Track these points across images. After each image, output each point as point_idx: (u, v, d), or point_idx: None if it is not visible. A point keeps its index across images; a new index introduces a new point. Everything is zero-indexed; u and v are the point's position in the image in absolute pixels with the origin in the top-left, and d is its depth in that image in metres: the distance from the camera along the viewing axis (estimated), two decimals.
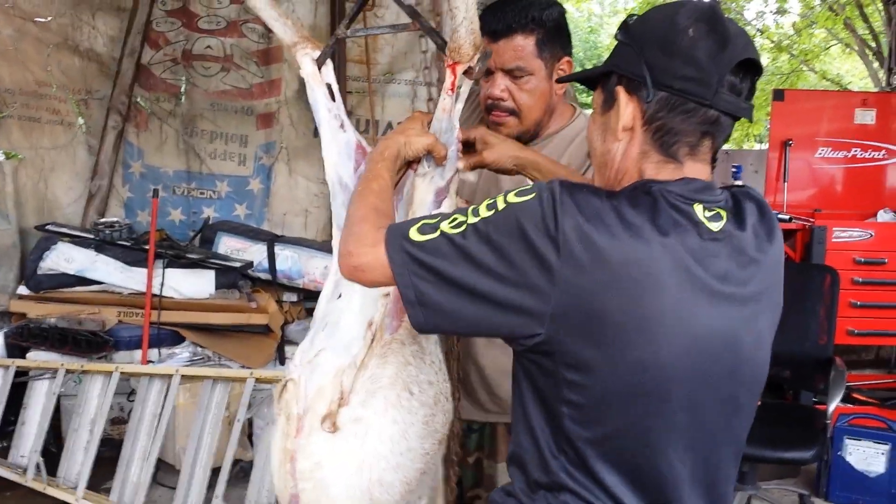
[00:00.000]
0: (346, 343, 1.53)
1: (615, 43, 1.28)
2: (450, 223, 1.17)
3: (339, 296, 1.60)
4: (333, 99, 1.70)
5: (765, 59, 12.75)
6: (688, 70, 1.16)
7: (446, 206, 1.56)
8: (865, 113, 4.98)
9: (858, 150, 5.01)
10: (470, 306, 1.14)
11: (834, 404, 3.34)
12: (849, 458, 3.89)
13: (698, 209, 1.17)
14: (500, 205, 1.15)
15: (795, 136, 4.96)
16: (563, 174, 1.68)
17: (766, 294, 1.23)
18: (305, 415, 1.51)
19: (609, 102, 1.25)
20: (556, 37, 1.98)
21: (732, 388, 1.21)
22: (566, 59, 2.00)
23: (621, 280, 1.09)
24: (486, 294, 1.13)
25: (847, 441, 3.89)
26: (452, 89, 1.52)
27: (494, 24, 1.93)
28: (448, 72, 1.51)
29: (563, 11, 2.01)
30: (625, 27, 1.26)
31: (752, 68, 1.20)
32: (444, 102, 1.54)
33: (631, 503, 1.17)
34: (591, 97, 1.42)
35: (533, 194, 1.14)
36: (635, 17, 1.28)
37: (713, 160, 1.25)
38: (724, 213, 1.20)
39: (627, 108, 1.22)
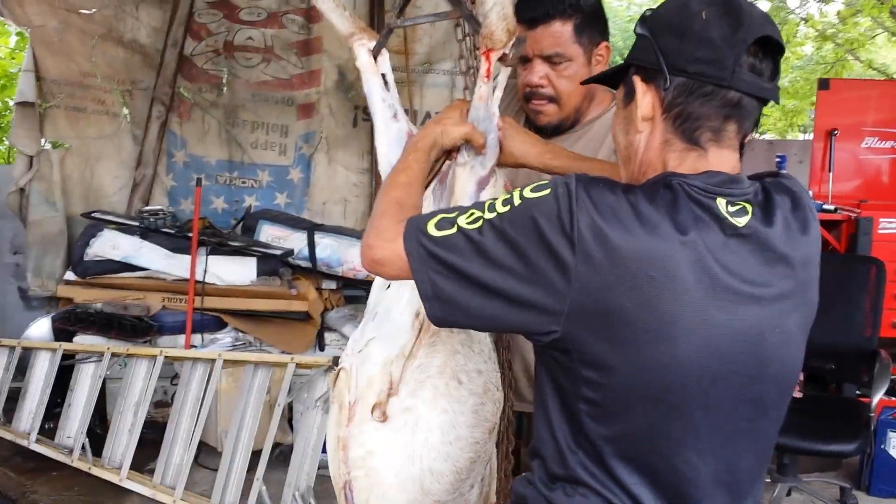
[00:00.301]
0: (394, 333, 1.54)
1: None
2: (467, 218, 1.15)
3: (388, 286, 1.61)
4: (388, 89, 1.71)
5: (809, 49, 12.52)
6: (702, 52, 1.13)
7: (488, 195, 1.55)
8: None
9: None
10: (486, 302, 1.13)
11: (878, 397, 3.29)
12: (892, 452, 3.83)
13: (721, 203, 1.13)
14: (517, 200, 1.13)
15: (841, 126, 4.87)
16: (593, 167, 1.67)
17: (796, 292, 1.18)
18: (356, 404, 1.52)
19: (629, 95, 1.22)
20: (593, 22, 1.97)
21: (757, 388, 1.17)
22: (604, 44, 1.99)
23: (637, 278, 1.06)
24: (502, 290, 1.12)
25: (891, 434, 3.82)
26: (488, 76, 1.51)
27: (532, 11, 1.92)
28: (482, 59, 1.50)
29: None
30: (641, 20, 1.22)
31: (772, 47, 1.16)
32: (481, 90, 1.52)
33: (648, 501, 1.15)
34: None
35: (548, 190, 1.12)
36: (651, 10, 1.24)
37: (741, 146, 1.21)
38: (749, 208, 1.15)
39: (645, 98, 1.19)
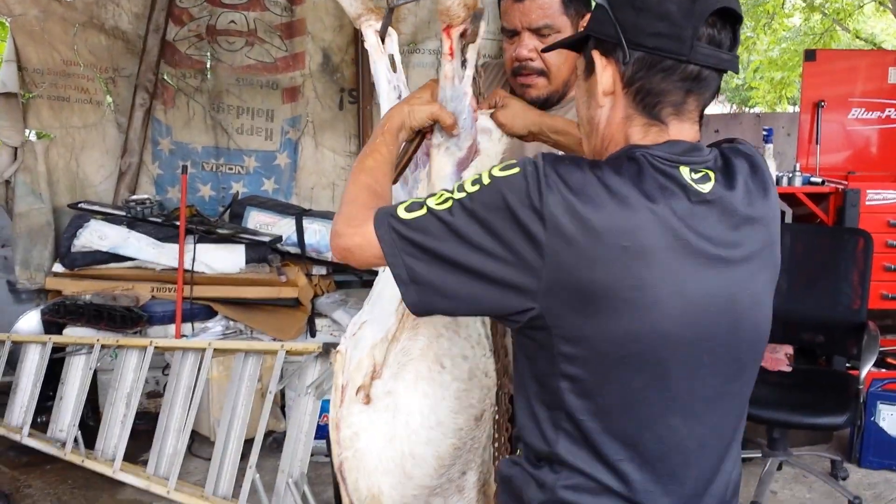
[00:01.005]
0: (383, 316, 1.55)
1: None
2: (437, 200, 1.15)
3: (384, 269, 1.60)
4: (395, 70, 1.70)
5: (797, 20, 12.46)
6: (660, 26, 1.13)
7: (471, 172, 1.54)
8: None
9: (893, 110, 4.89)
10: (462, 283, 1.13)
11: (866, 369, 3.30)
12: (882, 424, 3.86)
13: (685, 171, 1.14)
14: (486, 180, 1.13)
15: (828, 98, 4.85)
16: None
17: (762, 253, 1.20)
18: (347, 386, 1.54)
19: (589, 68, 1.22)
20: None
21: (733, 351, 1.19)
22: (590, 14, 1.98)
23: (610, 250, 1.07)
24: (477, 270, 1.11)
25: (881, 406, 3.85)
26: (451, 54, 1.48)
27: None
28: (443, 36, 1.47)
29: None
30: None
31: (731, 17, 1.16)
32: (446, 69, 1.50)
33: (635, 476, 1.15)
34: None
35: (517, 169, 1.11)
36: None
37: (700, 118, 1.22)
38: (711, 174, 1.16)
39: (606, 72, 1.19)
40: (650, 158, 1.13)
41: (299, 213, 4.25)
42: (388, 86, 1.69)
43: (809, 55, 5.01)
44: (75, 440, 3.34)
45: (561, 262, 1.08)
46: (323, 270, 4.23)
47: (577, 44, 1.28)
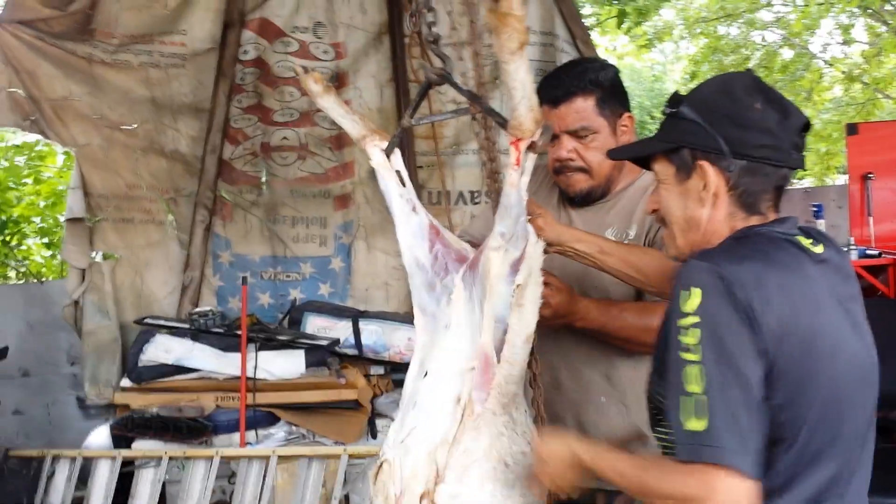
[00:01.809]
0: (435, 421, 1.57)
1: (668, 117, 1.44)
2: (691, 386, 1.24)
3: (426, 374, 1.65)
4: (404, 184, 1.79)
5: (838, 91, 12.48)
6: (764, 139, 1.35)
7: (523, 274, 1.60)
8: None
9: None
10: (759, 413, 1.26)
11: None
12: None
13: (801, 239, 1.38)
14: (693, 331, 1.26)
15: (875, 168, 4.85)
16: (600, 244, 1.82)
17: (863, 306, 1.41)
18: (402, 495, 1.54)
19: (685, 173, 1.41)
20: (614, 95, 2.07)
21: (870, 402, 1.38)
22: (627, 114, 2.09)
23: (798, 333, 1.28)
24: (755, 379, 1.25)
25: None
26: (518, 164, 1.57)
27: (554, 92, 2.02)
28: (511, 148, 1.57)
29: (617, 71, 2.11)
30: (679, 103, 1.42)
31: (806, 128, 1.40)
32: (511, 178, 1.58)
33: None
34: None
35: (701, 297, 1.27)
36: (686, 94, 1.44)
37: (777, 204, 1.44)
38: (816, 239, 1.40)
39: (712, 178, 1.37)
40: (773, 234, 1.37)
41: (355, 315, 4.33)
42: (401, 199, 1.77)
43: (851, 129, 5.05)
44: None
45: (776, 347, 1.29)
46: (381, 370, 4.27)
47: (651, 151, 1.48)
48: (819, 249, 1.38)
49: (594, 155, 2.04)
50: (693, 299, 1.26)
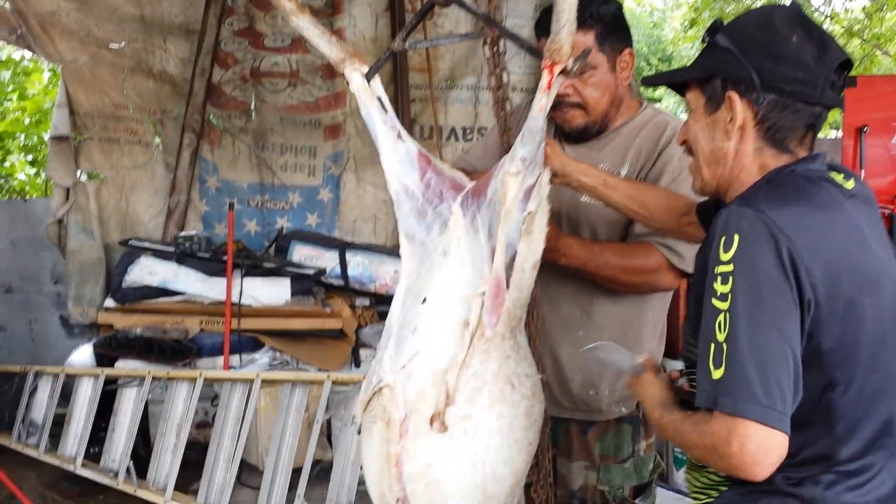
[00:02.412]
0: (441, 345, 1.57)
1: (706, 46, 1.41)
2: (720, 334, 1.24)
3: (424, 300, 1.63)
4: (386, 111, 1.73)
5: None
6: (798, 73, 1.31)
7: (535, 201, 1.60)
8: None
9: None
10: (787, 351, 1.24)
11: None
12: None
13: (835, 176, 1.37)
14: (730, 276, 1.25)
15: (871, 122, 4.83)
16: (605, 177, 1.80)
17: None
18: (408, 419, 1.54)
19: (714, 103, 1.38)
20: (615, 30, 2.02)
21: None
22: (628, 50, 2.05)
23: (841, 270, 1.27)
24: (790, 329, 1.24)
25: None
26: (549, 88, 1.55)
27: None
28: (545, 72, 1.54)
29: (620, 6, 2.06)
30: (718, 31, 1.38)
31: (846, 66, 1.36)
32: (541, 101, 1.56)
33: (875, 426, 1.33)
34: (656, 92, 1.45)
35: (738, 244, 1.26)
36: (726, 23, 1.40)
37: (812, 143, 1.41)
38: (846, 175, 1.39)
39: (739, 110, 1.35)
40: (809, 173, 1.35)
41: (342, 246, 4.32)
42: (385, 126, 1.72)
43: (850, 81, 4.97)
44: (127, 470, 3.40)
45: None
46: (366, 302, 4.29)
47: (686, 80, 1.45)
48: (850, 184, 1.37)
49: (591, 91, 2.01)
50: (732, 246, 1.25)
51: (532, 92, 3.08)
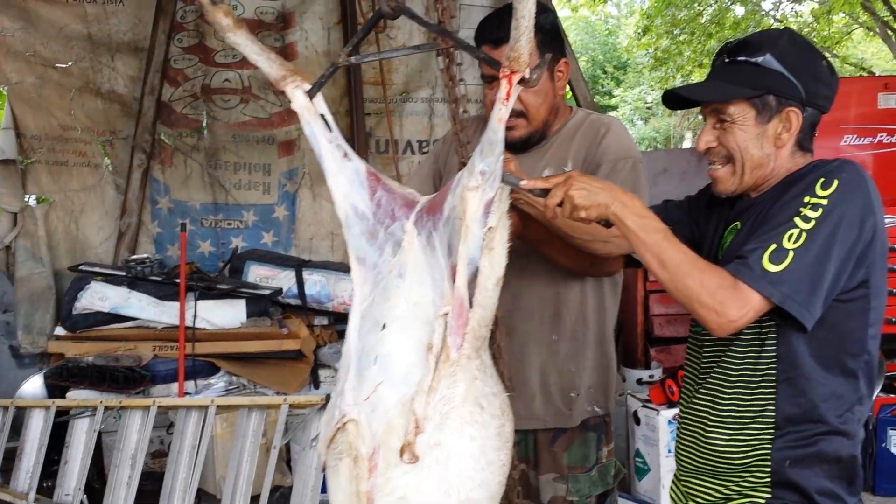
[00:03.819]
0: (404, 372, 1.52)
1: (740, 64, 1.62)
2: (788, 241, 1.49)
3: (384, 326, 1.57)
4: (330, 129, 1.67)
5: None
6: (827, 92, 1.62)
7: (496, 216, 1.55)
8: (889, 97, 4.90)
9: (885, 134, 4.93)
10: (834, 280, 1.51)
11: (874, 395, 3.28)
12: (893, 450, 3.82)
13: None
14: (822, 212, 1.51)
15: (819, 125, 4.88)
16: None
17: None
18: (376, 453, 1.49)
19: (767, 116, 1.60)
20: (553, 40, 2.07)
21: None
22: (563, 60, 2.12)
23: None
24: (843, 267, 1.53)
25: (891, 432, 3.82)
26: (508, 97, 1.51)
27: (496, 31, 1.99)
28: (504, 82, 1.50)
29: (556, 16, 2.12)
30: (762, 52, 1.60)
31: None
32: (501, 112, 1.52)
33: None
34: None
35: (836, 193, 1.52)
36: (762, 47, 1.61)
37: None
38: None
39: (795, 122, 1.59)
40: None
41: (299, 265, 4.26)
42: (330, 145, 1.65)
43: None
44: (81, 503, 3.32)
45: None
46: (325, 321, 4.24)
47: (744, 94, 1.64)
48: None
49: (533, 99, 2.05)
50: (831, 187, 1.50)
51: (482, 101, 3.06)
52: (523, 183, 1.63)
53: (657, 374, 4.33)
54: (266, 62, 1.67)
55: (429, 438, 1.46)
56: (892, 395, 4.23)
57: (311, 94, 1.66)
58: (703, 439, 1.68)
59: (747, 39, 1.67)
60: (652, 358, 4.52)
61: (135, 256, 4.22)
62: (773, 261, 1.47)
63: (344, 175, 1.66)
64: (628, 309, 4.80)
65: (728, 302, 1.47)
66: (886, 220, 4.37)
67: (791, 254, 1.47)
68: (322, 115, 1.67)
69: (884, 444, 3.81)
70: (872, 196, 1.55)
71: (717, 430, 1.66)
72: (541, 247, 1.99)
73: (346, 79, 4.85)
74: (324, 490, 2.98)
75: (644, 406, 3.87)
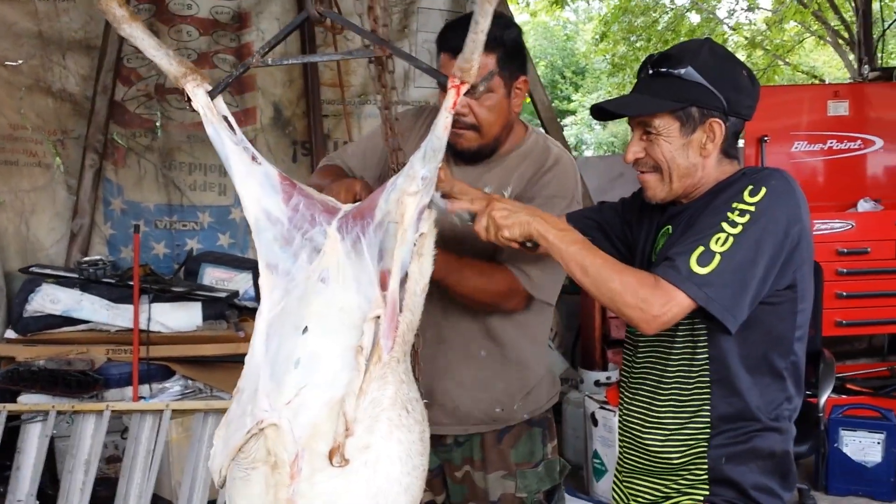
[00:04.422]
0: (331, 375, 1.49)
1: (661, 76, 1.66)
2: (715, 244, 1.53)
3: (305, 329, 1.54)
4: (234, 132, 1.63)
5: (740, 56, 12.83)
6: (749, 101, 1.66)
7: (428, 222, 1.57)
8: (838, 104, 5.03)
9: (834, 141, 5.05)
10: (761, 284, 1.56)
11: (825, 396, 3.35)
12: (845, 450, 3.90)
13: None
14: (749, 214, 1.55)
15: (771, 132, 4.98)
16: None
17: None
18: (300, 457, 1.45)
19: (691, 127, 1.64)
20: (515, 56, 2.04)
21: None
22: (523, 77, 2.07)
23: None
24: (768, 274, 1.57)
25: (843, 432, 3.90)
26: (454, 107, 1.53)
27: (457, 42, 1.95)
28: (452, 91, 1.52)
29: (520, 32, 2.10)
30: (664, 64, 1.65)
31: None
32: (447, 120, 1.53)
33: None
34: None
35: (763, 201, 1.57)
36: (683, 59, 1.65)
37: None
38: None
39: (719, 133, 1.63)
40: None
41: (255, 267, 4.20)
42: (238, 147, 1.61)
43: None
44: None
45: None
46: None
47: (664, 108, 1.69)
48: None
49: (487, 113, 2.01)
50: (759, 194, 1.55)
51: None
52: (448, 206, 1.70)
53: (614, 375, 4.37)
54: (164, 58, 1.61)
55: (358, 441, 1.44)
56: (844, 396, 4.34)
57: (212, 95, 1.61)
58: (640, 440, 1.73)
59: (669, 52, 1.70)
60: (609, 360, 4.57)
61: (87, 258, 4.13)
62: (700, 263, 1.51)
63: (254, 178, 1.61)
64: (586, 312, 4.85)
65: (650, 299, 1.51)
66: (835, 225, 4.50)
67: (718, 257, 1.51)
68: (225, 117, 1.63)
69: (835, 445, 3.89)
70: (800, 203, 1.59)
71: (654, 431, 1.71)
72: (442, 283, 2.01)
73: (303, 80, 4.82)
74: None
75: (602, 407, 3.90)
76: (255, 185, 1.61)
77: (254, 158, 1.62)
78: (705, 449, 1.65)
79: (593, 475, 3.96)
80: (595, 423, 3.92)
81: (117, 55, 4.49)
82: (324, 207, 1.65)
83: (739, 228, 1.52)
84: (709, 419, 1.64)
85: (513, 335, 2.15)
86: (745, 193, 1.56)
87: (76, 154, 4.53)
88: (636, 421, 1.75)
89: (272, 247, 1.61)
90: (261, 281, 1.62)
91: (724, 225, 1.53)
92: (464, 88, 1.52)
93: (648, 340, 1.74)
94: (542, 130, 2.87)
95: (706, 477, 1.65)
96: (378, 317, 1.50)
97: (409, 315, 1.54)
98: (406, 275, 1.54)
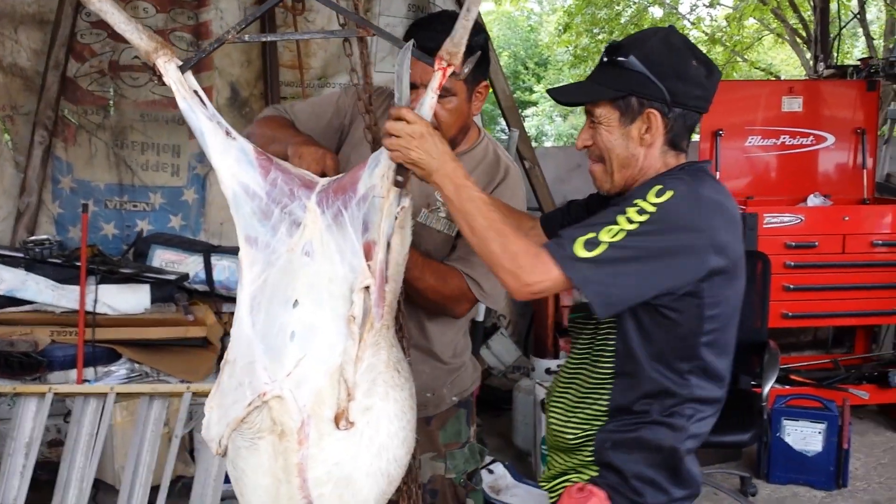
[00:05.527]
0: (327, 345, 1.58)
1: (611, 65, 1.65)
2: (607, 234, 1.51)
3: (296, 303, 1.60)
4: (206, 107, 1.65)
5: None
6: (698, 92, 1.62)
7: (407, 197, 1.65)
8: (792, 101, 5.10)
9: (787, 137, 5.12)
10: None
11: (768, 386, 3.41)
12: (787, 439, 3.98)
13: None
14: (648, 217, 1.53)
15: (726, 126, 5.04)
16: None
17: None
18: (307, 424, 1.55)
19: (630, 118, 1.63)
20: (480, 61, 2.03)
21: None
22: (484, 83, 2.12)
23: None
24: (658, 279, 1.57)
25: (785, 422, 3.97)
26: (439, 88, 1.62)
27: (428, 42, 1.95)
28: (438, 74, 1.60)
29: (487, 37, 2.12)
30: (619, 52, 1.63)
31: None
32: (432, 101, 1.62)
33: (725, 376, 1.71)
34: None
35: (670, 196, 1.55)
36: (627, 43, 1.65)
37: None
38: None
39: (656, 123, 1.62)
40: (707, 169, 1.69)
41: (207, 250, 4.16)
42: (212, 122, 1.64)
43: None
44: None
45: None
46: (233, 308, 4.13)
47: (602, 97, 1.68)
48: None
49: (447, 116, 2.03)
50: (663, 196, 1.52)
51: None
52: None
53: None
54: (135, 32, 1.63)
55: (359, 404, 1.56)
56: (787, 387, 4.42)
57: (183, 70, 1.62)
58: (550, 416, 1.83)
59: (624, 40, 1.69)
60: (561, 348, 4.60)
61: (33, 237, 4.04)
62: (585, 247, 1.50)
63: (230, 154, 1.65)
64: (539, 300, 4.87)
65: (527, 268, 1.51)
66: (785, 219, 4.57)
67: (605, 245, 1.50)
68: (196, 92, 1.64)
69: (778, 434, 3.97)
70: (708, 213, 1.57)
71: (556, 410, 1.80)
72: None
73: (261, 61, 4.75)
74: (227, 480, 2.92)
75: None
76: (231, 160, 1.65)
77: (228, 133, 1.64)
78: (595, 432, 1.70)
79: (542, 461, 3.99)
80: (544, 410, 3.94)
81: (71, 30, 4.37)
82: (301, 182, 1.69)
83: (635, 226, 1.51)
84: (606, 407, 1.69)
85: (442, 326, 2.21)
86: (652, 193, 1.54)
87: (25, 131, 4.41)
88: (553, 399, 1.83)
89: (251, 221, 1.65)
90: (240, 255, 1.67)
91: (620, 218, 1.52)
92: (449, 71, 1.61)
93: (582, 327, 1.78)
94: (504, 121, 2.86)
95: (592, 459, 1.71)
96: (367, 287, 1.58)
97: (393, 284, 1.65)
98: (389, 246, 1.62)
